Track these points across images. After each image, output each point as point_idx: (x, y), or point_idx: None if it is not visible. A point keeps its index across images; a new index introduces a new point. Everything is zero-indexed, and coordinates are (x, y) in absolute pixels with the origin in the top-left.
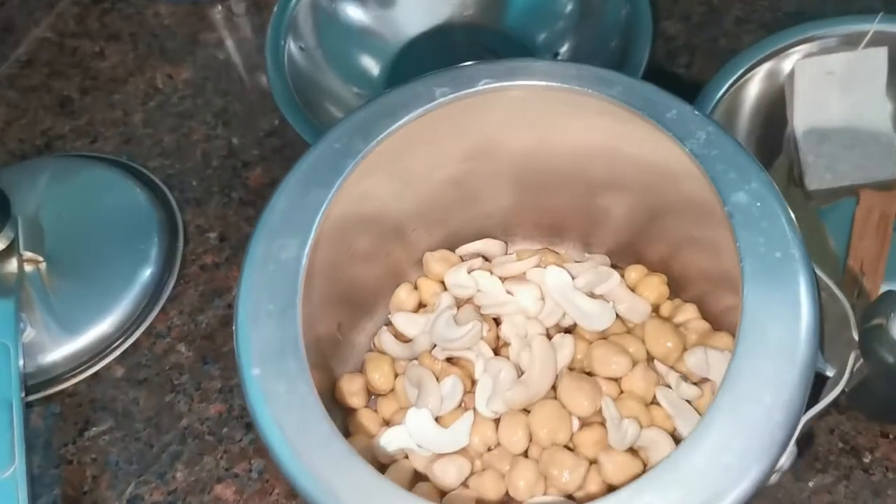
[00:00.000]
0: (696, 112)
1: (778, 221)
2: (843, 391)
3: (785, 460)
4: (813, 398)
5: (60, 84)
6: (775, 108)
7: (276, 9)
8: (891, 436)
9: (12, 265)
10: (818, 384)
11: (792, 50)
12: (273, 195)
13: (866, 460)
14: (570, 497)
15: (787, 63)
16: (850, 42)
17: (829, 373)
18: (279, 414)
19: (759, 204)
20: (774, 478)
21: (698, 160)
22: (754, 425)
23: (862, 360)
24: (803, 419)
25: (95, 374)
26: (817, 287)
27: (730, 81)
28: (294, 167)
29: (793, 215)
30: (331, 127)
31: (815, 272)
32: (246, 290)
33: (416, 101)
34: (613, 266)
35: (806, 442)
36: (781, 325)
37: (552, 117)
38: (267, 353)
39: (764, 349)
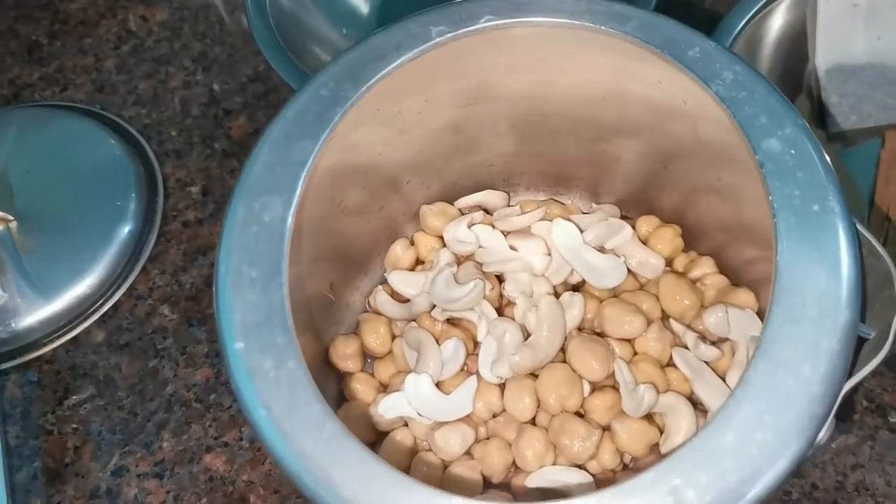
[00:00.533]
0: (723, 49)
1: (815, 171)
2: (887, 355)
3: (824, 434)
4: (851, 363)
5: (28, 28)
6: (798, 42)
7: None
8: None
9: None
10: (856, 347)
11: None
12: (254, 148)
13: (893, 420)
14: (580, 467)
15: None
16: None
17: (870, 336)
18: (266, 392)
19: (793, 151)
20: (811, 452)
21: (725, 103)
22: (791, 399)
23: None
24: (844, 389)
25: (74, 338)
26: (859, 243)
27: (750, 13)
28: (277, 117)
29: (831, 164)
30: (317, 72)
31: (856, 227)
32: (226, 254)
33: (409, 42)
34: (623, 217)
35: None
36: (820, 286)
37: (560, 57)
38: (251, 325)
39: (801, 313)
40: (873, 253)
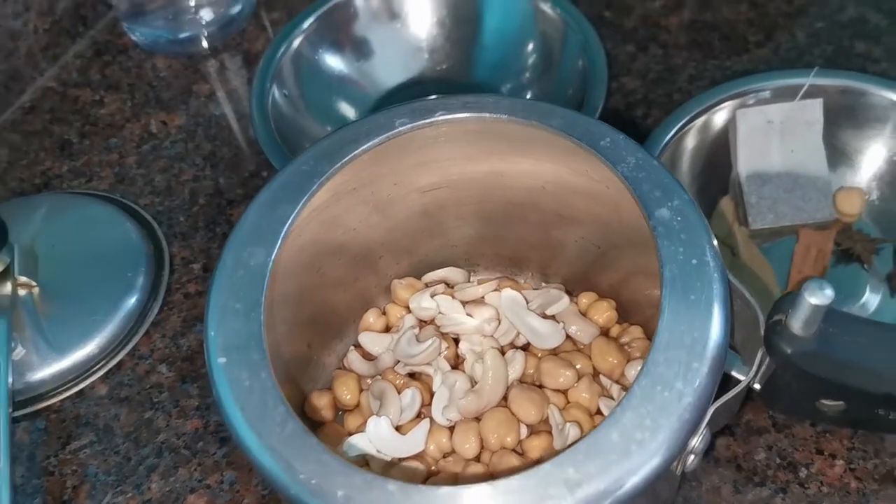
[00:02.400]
0: (629, 140)
1: (696, 233)
2: (753, 386)
3: (698, 443)
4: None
5: (61, 129)
6: (720, 152)
7: (263, 59)
8: (825, 453)
9: (7, 289)
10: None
11: (734, 101)
12: (246, 210)
13: (802, 475)
14: None
15: (730, 113)
16: (787, 94)
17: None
18: (241, 398)
19: (679, 218)
20: (693, 461)
21: (627, 181)
22: (666, 407)
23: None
24: (713, 406)
25: (80, 391)
26: (730, 291)
27: (675, 128)
28: (265, 186)
29: (710, 227)
30: (300, 153)
31: (728, 278)
32: (216, 291)
33: (377, 130)
34: (568, 293)
35: (745, 457)
36: (695, 320)
37: (506, 150)
38: (232, 345)
39: (678, 341)
40: (745, 302)
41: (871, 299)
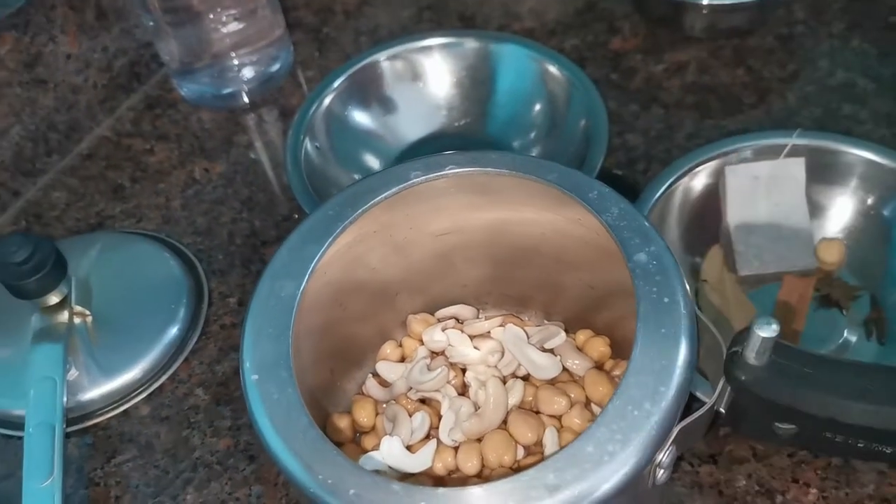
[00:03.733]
0: (613, 192)
1: (669, 275)
2: (716, 410)
3: (665, 458)
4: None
5: (115, 174)
6: (711, 203)
7: (297, 114)
8: (800, 481)
9: (64, 316)
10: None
11: (724, 158)
12: (279, 248)
13: (778, 501)
14: None
15: (720, 168)
16: (773, 153)
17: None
18: (270, 409)
19: (654, 262)
20: (663, 476)
21: (611, 228)
22: (635, 424)
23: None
24: (678, 425)
25: (125, 411)
26: (696, 326)
27: (669, 182)
28: (296, 228)
29: (682, 270)
30: (327, 199)
31: (696, 314)
32: (252, 317)
33: (395, 180)
34: (567, 330)
35: (726, 484)
36: (664, 350)
37: (510, 200)
38: (264, 364)
39: (649, 367)
40: (709, 333)
41: (848, 341)
